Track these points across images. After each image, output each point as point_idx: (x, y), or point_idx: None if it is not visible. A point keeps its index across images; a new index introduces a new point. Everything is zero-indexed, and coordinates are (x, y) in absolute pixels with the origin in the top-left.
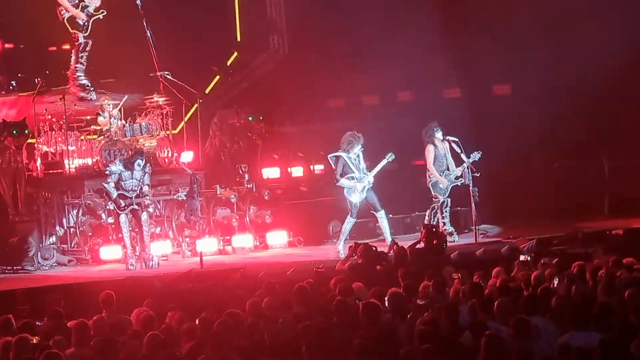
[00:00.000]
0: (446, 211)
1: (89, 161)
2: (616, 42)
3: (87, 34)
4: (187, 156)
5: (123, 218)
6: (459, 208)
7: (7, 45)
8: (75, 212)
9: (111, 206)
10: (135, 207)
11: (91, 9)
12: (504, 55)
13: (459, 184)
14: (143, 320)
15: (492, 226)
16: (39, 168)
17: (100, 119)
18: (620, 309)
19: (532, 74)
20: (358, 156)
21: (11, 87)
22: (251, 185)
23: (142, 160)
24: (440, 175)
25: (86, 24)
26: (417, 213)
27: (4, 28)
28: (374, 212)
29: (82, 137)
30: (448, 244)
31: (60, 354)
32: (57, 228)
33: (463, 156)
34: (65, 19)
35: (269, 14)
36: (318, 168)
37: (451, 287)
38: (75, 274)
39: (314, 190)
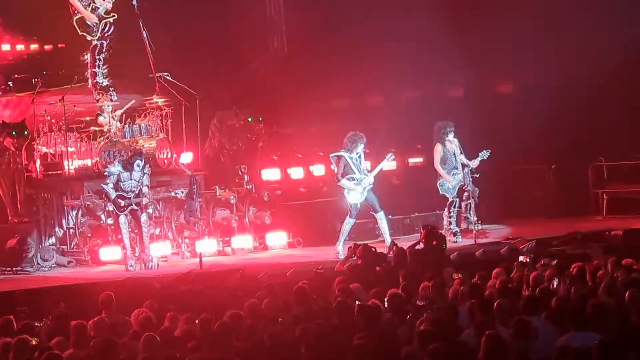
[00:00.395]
0: (453, 211)
1: (88, 162)
2: (616, 42)
3: (96, 36)
4: (186, 157)
5: (122, 219)
6: (459, 208)
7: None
8: (74, 213)
9: (110, 207)
10: (135, 208)
11: (101, 11)
12: (507, 55)
13: (464, 183)
14: (143, 321)
15: (498, 226)
16: (38, 169)
17: (100, 119)
18: (619, 310)
19: (534, 74)
20: (360, 156)
21: (8, 88)
22: (251, 186)
23: (141, 161)
24: (448, 174)
25: (96, 26)
26: (416, 214)
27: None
28: (373, 213)
29: (88, 139)
30: (451, 244)
31: (60, 355)
32: (57, 229)
33: (463, 157)
34: (75, 20)
35: (269, 14)
36: (317, 169)
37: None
38: (74, 275)
39: (313, 191)
